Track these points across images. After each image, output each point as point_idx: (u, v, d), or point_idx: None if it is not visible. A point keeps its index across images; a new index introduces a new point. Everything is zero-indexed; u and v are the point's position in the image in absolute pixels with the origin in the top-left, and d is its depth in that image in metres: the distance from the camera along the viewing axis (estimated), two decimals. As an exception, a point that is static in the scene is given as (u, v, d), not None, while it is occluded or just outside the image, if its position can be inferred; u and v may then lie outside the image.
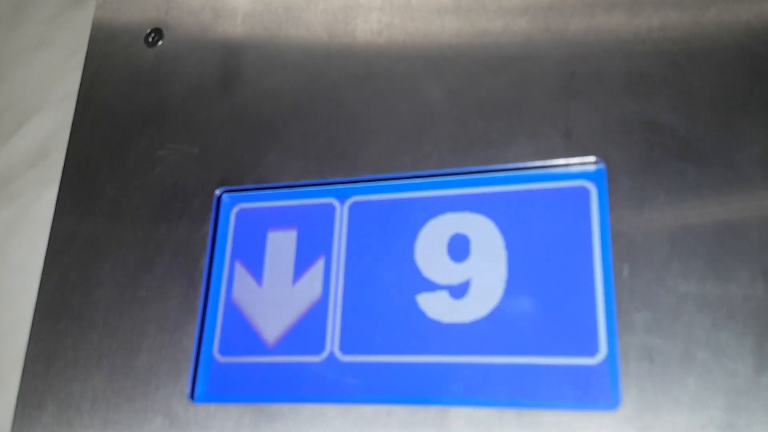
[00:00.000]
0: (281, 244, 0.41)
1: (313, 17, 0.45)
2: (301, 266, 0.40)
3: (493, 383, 0.34)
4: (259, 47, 0.45)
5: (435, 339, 0.36)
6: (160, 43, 0.48)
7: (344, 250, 0.39)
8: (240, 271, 0.41)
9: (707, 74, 0.36)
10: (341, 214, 0.40)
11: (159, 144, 0.45)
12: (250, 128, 0.43)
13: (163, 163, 0.45)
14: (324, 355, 0.38)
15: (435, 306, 0.37)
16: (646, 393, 0.32)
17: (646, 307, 0.33)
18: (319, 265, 0.39)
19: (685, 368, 0.32)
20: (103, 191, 0.45)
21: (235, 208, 0.42)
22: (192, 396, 0.39)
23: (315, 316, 0.39)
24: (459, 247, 0.37)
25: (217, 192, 0.43)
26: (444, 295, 0.37)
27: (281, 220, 0.41)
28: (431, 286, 0.37)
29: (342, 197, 0.40)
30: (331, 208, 0.40)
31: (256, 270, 0.41)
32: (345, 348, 0.37)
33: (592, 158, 0.36)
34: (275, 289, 0.40)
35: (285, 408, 0.37)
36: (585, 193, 0.36)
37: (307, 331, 0.38)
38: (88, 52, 0.50)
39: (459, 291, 0.37)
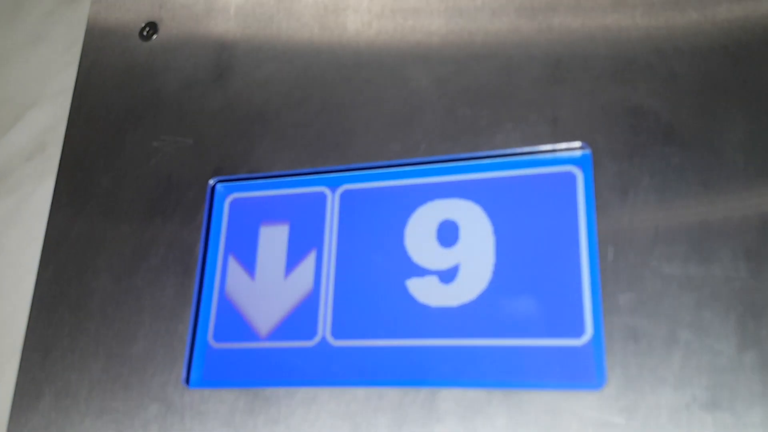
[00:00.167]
0: (273, 239, 0.41)
1: (304, 9, 0.45)
2: (293, 260, 0.40)
3: (481, 365, 0.35)
4: (252, 40, 0.46)
5: (425, 323, 0.37)
6: (154, 37, 0.48)
7: (335, 238, 0.40)
8: (233, 265, 0.41)
9: (691, 61, 0.36)
10: (332, 203, 0.41)
11: (154, 136, 0.46)
12: (243, 119, 0.44)
13: (158, 155, 0.45)
14: (316, 340, 0.38)
15: (425, 291, 0.37)
16: (631, 372, 0.32)
17: (631, 288, 0.33)
18: (310, 258, 0.40)
19: (669, 348, 0.32)
20: (99, 183, 0.46)
21: (229, 198, 0.43)
22: (187, 381, 0.39)
23: (306, 307, 0.39)
24: (448, 233, 0.38)
25: (211, 182, 0.43)
26: (433, 280, 0.37)
27: (274, 212, 0.42)
28: (421, 272, 0.38)
29: (333, 186, 0.41)
30: (322, 197, 0.41)
31: (248, 264, 0.41)
32: (337, 333, 0.38)
33: (578, 144, 0.37)
34: (268, 282, 0.40)
35: (279, 392, 0.37)
36: (571, 178, 0.37)
37: (299, 319, 0.39)
38: (83, 47, 0.50)
39: (448, 276, 0.37)
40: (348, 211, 0.40)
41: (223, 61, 0.46)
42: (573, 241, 0.35)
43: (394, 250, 0.38)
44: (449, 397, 0.34)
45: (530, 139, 0.38)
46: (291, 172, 0.42)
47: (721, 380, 0.31)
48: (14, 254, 0.49)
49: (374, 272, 0.38)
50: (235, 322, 0.40)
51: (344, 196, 0.41)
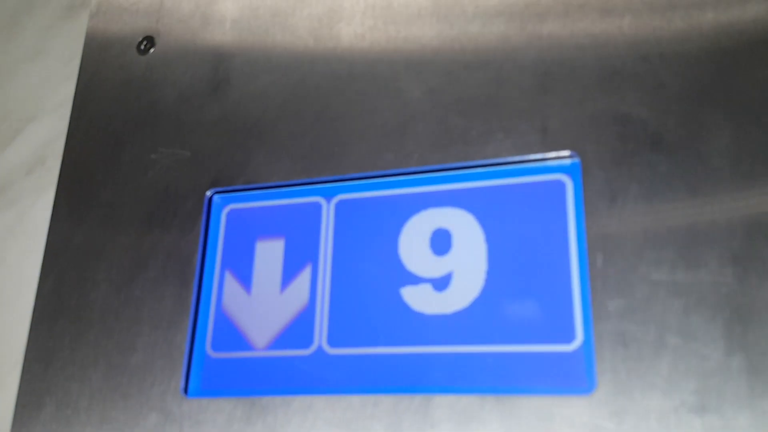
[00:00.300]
0: (269, 254, 0.42)
1: (299, 22, 0.46)
2: (288, 274, 0.41)
3: (474, 371, 0.35)
4: (247, 52, 0.46)
5: (419, 330, 0.37)
6: (151, 50, 0.49)
7: (331, 248, 0.40)
8: (230, 280, 0.42)
9: (677, 70, 0.37)
10: (328, 213, 0.41)
11: (152, 148, 0.46)
12: (239, 131, 0.44)
13: (156, 167, 0.46)
14: (312, 348, 0.39)
15: (419, 299, 0.38)
16: (621, 377, 0.33)
17: (620, 294, 0.34)
18: (306, 272, 0.41)
19: (657, 353, 0.33)
20: (99, 196, 0.46)
21: (226, 209, 0.44)
22: (186, 391, 0.40)
23: (302, 319, 0.40)
24: (441, 241, 0.39)
25: (208, 193, 0.44)
26: (427, 287, 0.38)
27: (270, 225, 0.42)
28: (415, 280, 0.38)
29: (328, 196, 0.42)
30: (318, 207, 0.42)
31: (245, 279, 0.42)
32: (333, 341, 0.39)
33: (567, 152, 0.37)
34: (264, 297, 0.41)
35: (275, 400, 0.38)
36: (561, 186, 0.37)
37: (295, 329, 0.40)
38: (82, 61, 0.51)
39: (441, 283, 0.38)
40: (343, 221, 0.41)
41: (219, 74, 0.47)
42: (563, 248, 0.36)
43: (389, 258, 0.39)
44: (443, 403, 0.35)
45: (520, 149, 0.38)
46: (287, 182, 0.42)
47: (709, 384, 0.32)
48: (15, 266, 0.50)
49: (369, 281, 0.39)
50: (232, 335, 0.41)
51: (339, 206, 0.41)
